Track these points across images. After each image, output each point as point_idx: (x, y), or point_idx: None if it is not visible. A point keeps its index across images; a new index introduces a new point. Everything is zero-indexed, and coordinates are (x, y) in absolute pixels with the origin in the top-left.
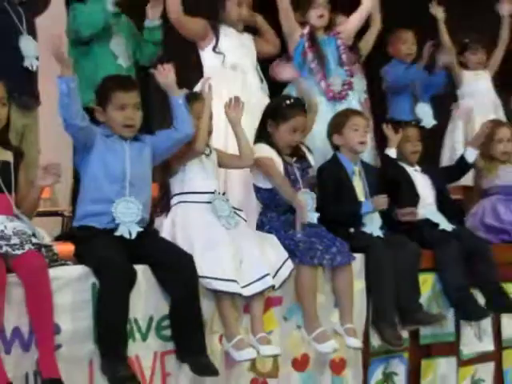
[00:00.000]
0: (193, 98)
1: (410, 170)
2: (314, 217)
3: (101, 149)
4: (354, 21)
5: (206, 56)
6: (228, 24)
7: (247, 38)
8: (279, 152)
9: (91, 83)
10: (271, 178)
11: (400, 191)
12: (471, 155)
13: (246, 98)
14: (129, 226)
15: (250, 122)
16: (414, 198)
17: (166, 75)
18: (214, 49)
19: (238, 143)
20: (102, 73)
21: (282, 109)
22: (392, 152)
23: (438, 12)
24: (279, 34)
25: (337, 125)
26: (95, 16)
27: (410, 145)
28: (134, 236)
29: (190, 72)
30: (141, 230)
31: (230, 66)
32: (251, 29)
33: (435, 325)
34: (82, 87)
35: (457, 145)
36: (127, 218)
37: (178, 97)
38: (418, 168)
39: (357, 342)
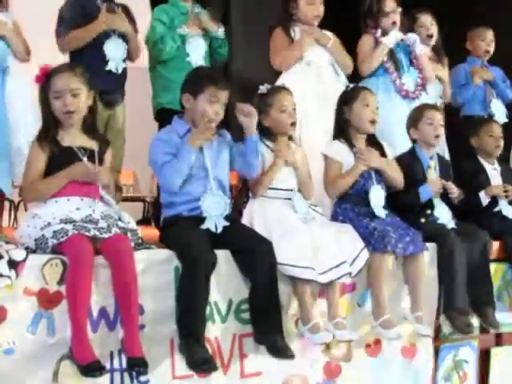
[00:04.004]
0: (275, 91)
1: (488, 167)
2: (383, 212)
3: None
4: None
5: None
6: (301, 23)
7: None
8: (353, 145)
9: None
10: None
11: (476, 184)
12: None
13: (321, 91)
14: (215, 220)
15: (330, 115)
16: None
17: (248, 115)
18: None
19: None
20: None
21: (349, 91)
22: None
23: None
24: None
25: (413, 119)
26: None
27: (493, 140)
28: (219, 230)
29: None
30: (227, 224)
31: (305, 63)
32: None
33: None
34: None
35: None
36: (214, 211)
37: (252, 136)
38: (496, 167)
39: (426, 329)
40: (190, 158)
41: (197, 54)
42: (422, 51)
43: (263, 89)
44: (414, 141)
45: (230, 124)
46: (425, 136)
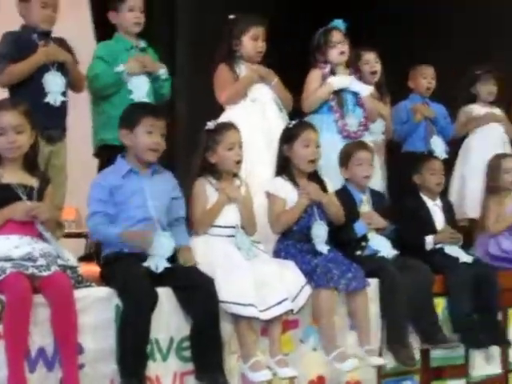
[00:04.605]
0: (223, 128)
1: (430, 203)
2: (325, 248)
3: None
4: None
5: None
6: (244, 59)
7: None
8: (295, 181)
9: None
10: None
11: (417, 222)
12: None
13: (266, 127)
14: (157, 260)
15: (271, 151)
16: (429, 230)
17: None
18: None
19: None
20: None
21: (291, 129)
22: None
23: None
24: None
25: (343, 159)
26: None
27: (435, 177)
28: (160, 270)
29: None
30: (168, 266)
31: (250, 99)
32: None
33: (452, 346)
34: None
35: (466, 176)
36: (158, 252)
37: None
38: (438, 202)
39: (380, 360)
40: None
41: (140, 91)
42: (366, 93)
43: (211, 125)
44: (346, 179)
45: (175, 164)
46: (354, 176)
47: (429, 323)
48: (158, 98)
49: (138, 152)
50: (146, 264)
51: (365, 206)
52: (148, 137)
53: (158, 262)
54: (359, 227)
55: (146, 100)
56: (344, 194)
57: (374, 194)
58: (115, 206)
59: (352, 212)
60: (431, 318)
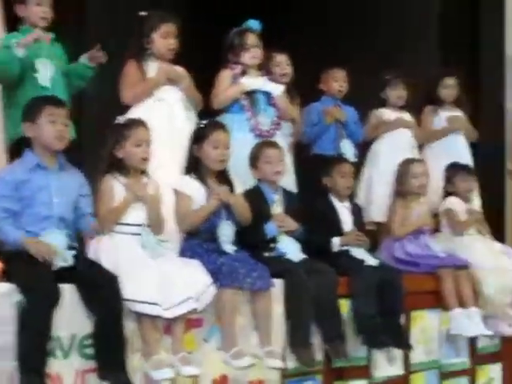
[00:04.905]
0: (133, 124)
1: (338, 205)
2: (231, 248)
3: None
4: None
5: None
6: (155, 57)
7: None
8: (204, 180)
9: None
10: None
11: (325, 224)
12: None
13: (172, 127)
14: (64, 254)
15: (179, 151)
16: (337, 232)
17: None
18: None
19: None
20: None
21: (201, 129)
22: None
23: None
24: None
25: (252, 159)
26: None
27: (345, 180)
28: (70, 262)
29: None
30: (74, 253)
31: (157, 99)
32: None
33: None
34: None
35: (373, 180)
36: (59, 247)
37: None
38: (346, 204)
39: (277, 362)
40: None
41: (44, 74)
42: (278, 92)
43: (121, 120)
44: (258, 179)
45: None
46: (265, 174)
47: (331, 325)
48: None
49: (44, 142)
50: (54, 262)
51: (277, 207)
52: (51, 126)
53: (64, 255)
54: (270, 229)
55: (48, 85)
56: (256, 194)
57: (287, 194)
58: (20, 201)
59: (264, 212)
60: (334, 320)
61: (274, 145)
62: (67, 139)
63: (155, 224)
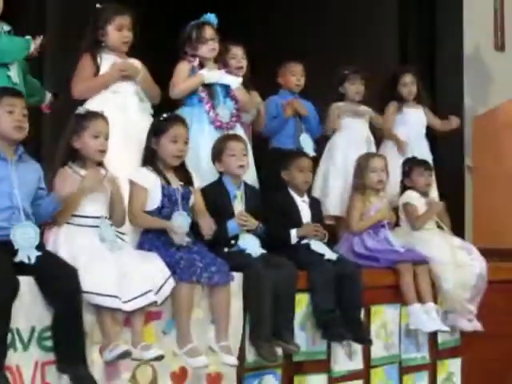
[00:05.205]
0: (92, 116)
1: (298, 199)
2: (185, 240)
3: None
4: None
5: None
6: (110, 49)
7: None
8: (161, 173)
9: None
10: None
11: (284, 217)
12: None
13: (126, 119)
14: (28, 252)
15: (133, 143)
16: (296, 226)
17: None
18: (94, 75)
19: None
20: None
21: (160, 123)
22: None
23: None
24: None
25: (216, 152)
26: None
27: (303, 175)
28: (33, 261)
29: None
30: (39, 254)
31: (111, 91)
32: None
33: (290, 350)
34: None
35: (330, 174)
36: (26, 243)
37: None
38: (306, 199)
39: (232, 359)
40: None
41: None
42: (236, 84)
43: (81, 110)
44: (220, 172)
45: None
46: (229, 167)
47: (283, 319)
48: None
49: (2, 132)
50: (17, 259)
51: (238, 202)
52: (9, 115)
53: (29, 253)
54: (232, 227)
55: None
56: (218, 188)
57: (249, 188)
58: None
59: (225, 209)
60: (287, 315)
61: (238, 138)
62: (26, 130)
63: (115, 216)
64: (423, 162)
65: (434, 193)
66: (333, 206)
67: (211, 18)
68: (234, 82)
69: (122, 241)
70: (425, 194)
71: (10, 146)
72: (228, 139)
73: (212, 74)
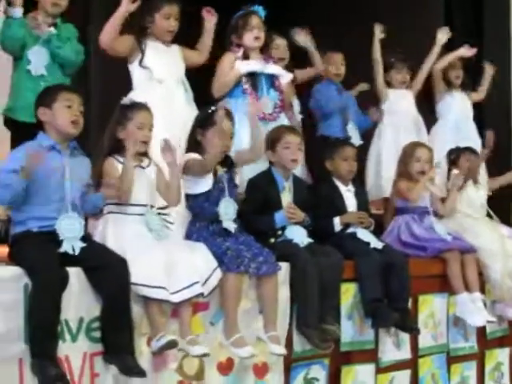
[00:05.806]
0: (137, 107)
1: (343, 189)
2: (232, 226)
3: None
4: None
5: (134, 70)
6: (155, 37)
7: (174, 51)
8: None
9: None
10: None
11: (329, 207)
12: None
13: (171, 109)
14: (72, 242)
15: (177, 132)
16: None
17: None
18: (140, 63)
19: (170, 183)
20: None
21: (208, 115)
22: None
23: (377, 29)
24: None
25: (271, 142)
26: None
27: (347, 164)
28: (77, 252)
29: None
30: (84, 245)
31: (157, 80)
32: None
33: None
34: None
35: (381, 160)
36: (70, 233)
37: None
38: (350, 188)
39: (280, 349)
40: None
41: (38, 63)
42: (287, 80)
43: (126, 100)
44: (270, 162)
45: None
46: (282, 159)
47: (327, 306)
48: (64, 63)
49: (60, 126)
50: (62, 249)
51: (286, 194)
52: (67, 110)
53: (73, 244)
54: (280, 219)
55: (44, 73)
56: (266, 178)
57: (297, 180)
58: (32, 182)
59: (273, 199)
60: (332, 302)
61: (295, 132)
62: (81, 125)
63: (170, 195)
64: (470, 149)
65: (484, 176)
66: (388, 188)
67: (259, 9)
68: (286, 76)
69: (168, 230)
70: (474, 180)
71: (64, 140)
72: (285, 131)
73: (253, 65)
